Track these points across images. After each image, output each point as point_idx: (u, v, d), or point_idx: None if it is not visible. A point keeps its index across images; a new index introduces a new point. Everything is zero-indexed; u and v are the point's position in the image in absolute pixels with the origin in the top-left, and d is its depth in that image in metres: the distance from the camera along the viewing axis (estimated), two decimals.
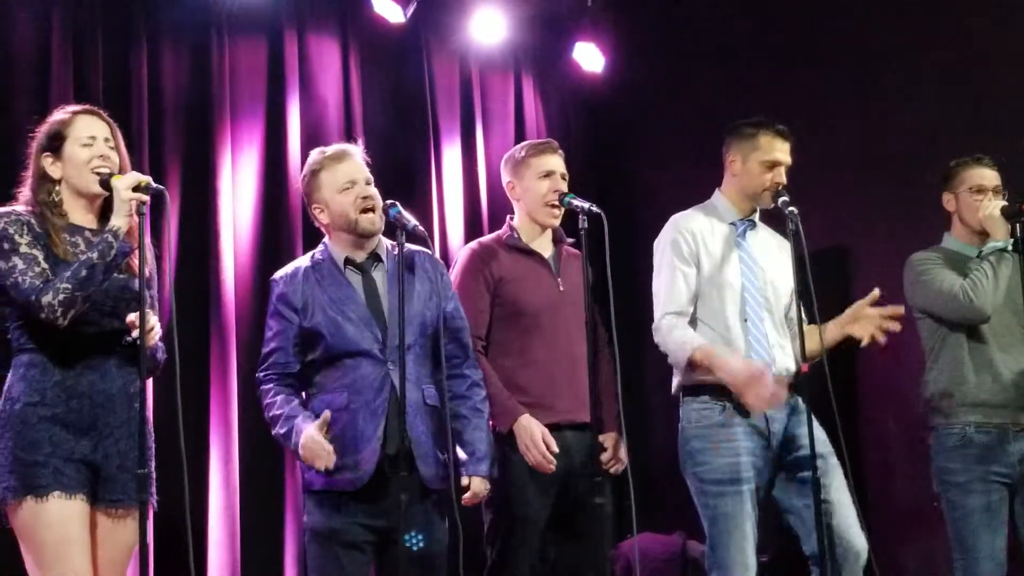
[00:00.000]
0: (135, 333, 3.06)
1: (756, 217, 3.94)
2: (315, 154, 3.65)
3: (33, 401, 3.08)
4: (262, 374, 3.55)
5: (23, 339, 3.15)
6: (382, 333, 3.45)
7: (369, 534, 3.41)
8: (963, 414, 4.04)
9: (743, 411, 3.73)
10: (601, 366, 3.94)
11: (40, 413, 3.07)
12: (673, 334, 3.76)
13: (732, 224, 3.92)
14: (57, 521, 3.02)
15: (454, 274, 3.96)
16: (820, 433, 3.71)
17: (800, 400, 3.75)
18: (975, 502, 3.99)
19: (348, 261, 3.55)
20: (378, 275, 3.56)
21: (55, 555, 3.02)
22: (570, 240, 3.95)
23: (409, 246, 3.53)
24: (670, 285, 3.84)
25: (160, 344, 3.30)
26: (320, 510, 3.43)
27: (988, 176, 4.18)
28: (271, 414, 3.47)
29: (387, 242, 3.63)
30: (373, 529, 3.40)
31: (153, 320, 3.14)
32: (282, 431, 3.42)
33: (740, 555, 3.67)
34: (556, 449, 3.72)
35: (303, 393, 3.55)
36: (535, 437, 3.71)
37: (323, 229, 3.63)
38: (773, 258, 3.93)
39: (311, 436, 3.32)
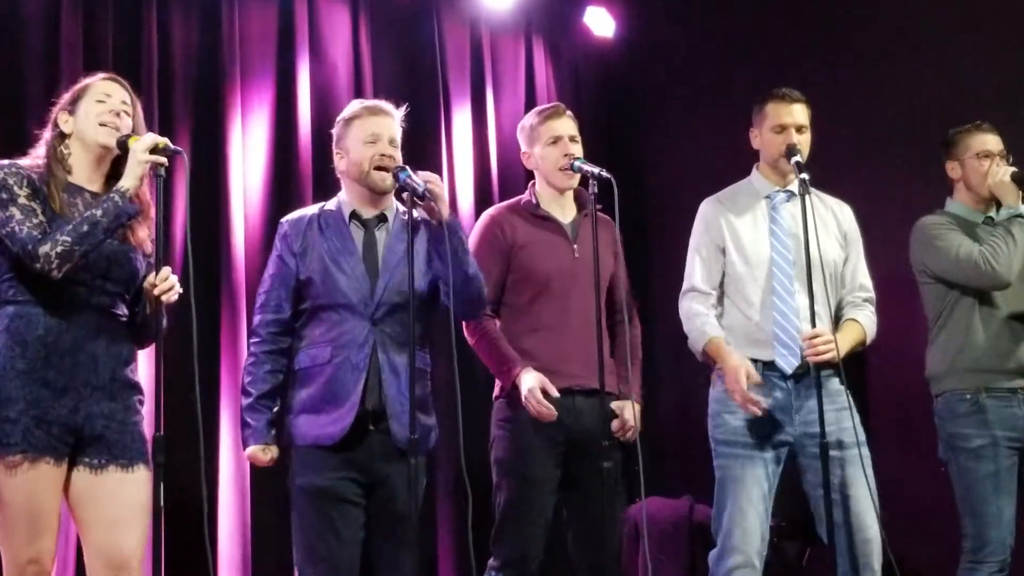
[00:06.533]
0: (157, 291, 3.07)
1: (794, 187, 3.83)
2: (355, 103, 3.72)
3: (13, 354, 3.05)
4: (257, 319, 3.58)
5: (12, 291, 3.11)
6: (371, 290, 3.48)
7: (358, 488, 3.43)
8: (974, 379, 4.03)
9: (768, 381, 3.73)
10: (620, 333, 3.94)
11: (19, 367, 3.04)
12: (694, 322, 3.83)
13: (767, 197, 3.91)
14: (19, 481, 3.00)
15: (470, 239, 3.97)
16: (848, 421, 3.69)
17: (832, 381, 3.72)
18: (986, 468, 3.98)
19: (355, 215, 3.57)
20: (380, 234, 3.57)
21: (14, 515, 3.02)
22: (599, 206, 3.93)
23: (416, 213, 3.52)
24: (691, 267, 3.91)
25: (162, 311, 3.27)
26: (306, 468, 3.45)
27: (991, 141, 4.15)
28: (245, 389, 3.55)
29: (399, 206, 3.63)
30: (360, 483, 3.43)
31: (173, 278, 3.12)
32: (245, 425, 3.54)
33: (741, 518, 3.67)
34: (556, 395, 3.72)
35: (291, 347, 3.54)
36: (532, 387, 3.72)
37: (339, 176, 3.65)
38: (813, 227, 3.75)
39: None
